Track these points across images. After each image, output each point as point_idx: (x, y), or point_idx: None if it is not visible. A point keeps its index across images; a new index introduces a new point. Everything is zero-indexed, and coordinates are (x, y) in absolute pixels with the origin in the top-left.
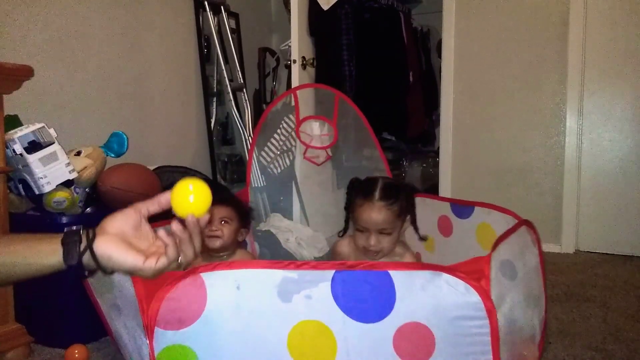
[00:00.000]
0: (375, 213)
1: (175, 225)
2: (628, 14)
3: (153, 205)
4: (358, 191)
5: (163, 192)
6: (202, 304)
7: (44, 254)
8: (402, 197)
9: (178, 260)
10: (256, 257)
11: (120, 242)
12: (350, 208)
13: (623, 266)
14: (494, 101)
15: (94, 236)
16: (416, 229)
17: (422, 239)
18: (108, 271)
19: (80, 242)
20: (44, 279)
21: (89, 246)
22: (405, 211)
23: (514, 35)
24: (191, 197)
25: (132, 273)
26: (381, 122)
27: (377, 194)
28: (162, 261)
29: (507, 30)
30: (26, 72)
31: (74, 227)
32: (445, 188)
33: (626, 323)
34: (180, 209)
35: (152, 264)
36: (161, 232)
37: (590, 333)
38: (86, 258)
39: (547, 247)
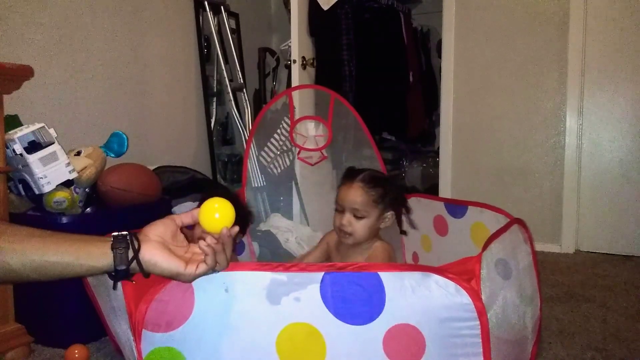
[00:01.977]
0: (352, 192)
1: (210, 239)
2: (628, 14)
3: (187, 218)
4: (346, 174)
5: (195, 209)
6: (190, 306)
7: (96, 256)
8: (385, 187)
9: (215, 267)
10: (254, 258)
11: (164, 249)
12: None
13: (623, 266)
14: (494, 101)
15: (139, 244)
16: (399, 223)
17: (403, 232)
18: (147, 275)
19: (128, 248)
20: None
21: (136, 254)
22: (387, 204)
23: (514, 35)
24: (217, 215)
25: (172, 277)
26: (381, 122)
27: (359, 177)
28: (202, 267)
29: (507, 30)
30: (26, 72)
31: (121, 233)
32: (445, 188)
33: (626, 323)
34: (209, 226)
35: (192, 270)
36: (201, 242)
37: (590, 333)
38: (132, 263)
39: (547, 247)
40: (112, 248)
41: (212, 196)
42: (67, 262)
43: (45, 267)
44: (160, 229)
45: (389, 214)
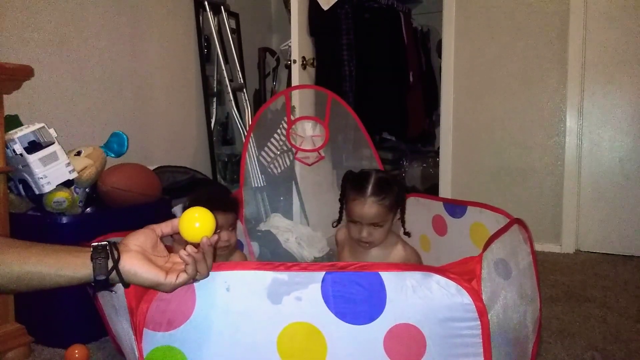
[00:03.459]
0: (367, 208)
1: (190, 248)
2: (628, 14)
3: (167, 227)
4: (351, 185)
5: (175, 218)
6: (192, 306)
7: (76, 267)
8: (393, 191)
9: (195, 277)
10: (253, 258)
11: (144, 259)
12: (344, 200)
13: (623, 266)
14: (494, 101)
15: (119, 254)
16: (403, 223)
17: (407, 234)
18: (127, 285)
19: (108, 258)
20: None
21: (116, 264)
22: (397, 204)
23: (514, 35)
24: (197, 224)
25: (152, 287)
26: (381, 122)
27: (369, 190)
28: (182, 277)
29: (507, 30)
30: (26, 72)
31: (101, 243)
32: (445, 188)
33: (626, 323)
34: (188, 236)
35: (172, 280)
36: (182, 252)
37: (590, 333)
38: (112, 273)
39: (547, 247)
40: (92, 258)
41: (199, 195)
42: (47, 272)
43: (26, 277)
44: (140, 239)
45: (399, 211)
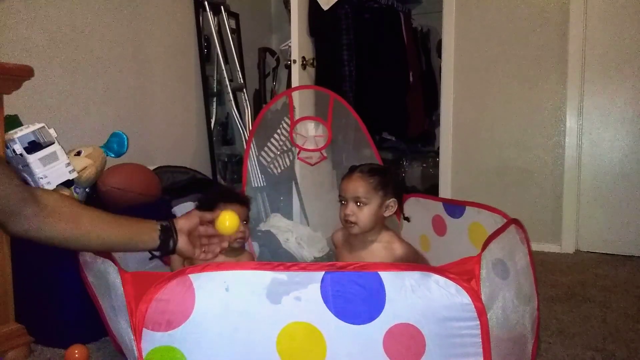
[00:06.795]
0: (352, 182)
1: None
2: (628, 14)
3: (210, 217)
4: (348, 171)
5: (215, 212)
6: (191, 306)
7: (147, 242)
8: (383, 175)
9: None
10: (254, 258)
11: (189, 242)
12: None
13: (623, 266)
14: (494, 101)
15: (177, 237)
16: (400, 211)
17: (406, 219)
18: (174, 253)
19: (170, 239)
20: (43, 279)
21: (175, 245)
22: (387, 190)
23: (514, 35)
24: (227, 222)
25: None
26: (381, 122)
27: (358, 168)
28: (202, 255)
29: (507, 30)
30: (26, 72)
31: (167, 225)
32: (445, 188)
33: (626, 323)
34: (221, 230)
35: (198, 254)
36: (203, 233)
37: (590, 333)
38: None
39: (547, 247)
40: (161, 239)
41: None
42: (128, 245)
43: (113, 246)
44: (190, 224)
45: (391, 202)
